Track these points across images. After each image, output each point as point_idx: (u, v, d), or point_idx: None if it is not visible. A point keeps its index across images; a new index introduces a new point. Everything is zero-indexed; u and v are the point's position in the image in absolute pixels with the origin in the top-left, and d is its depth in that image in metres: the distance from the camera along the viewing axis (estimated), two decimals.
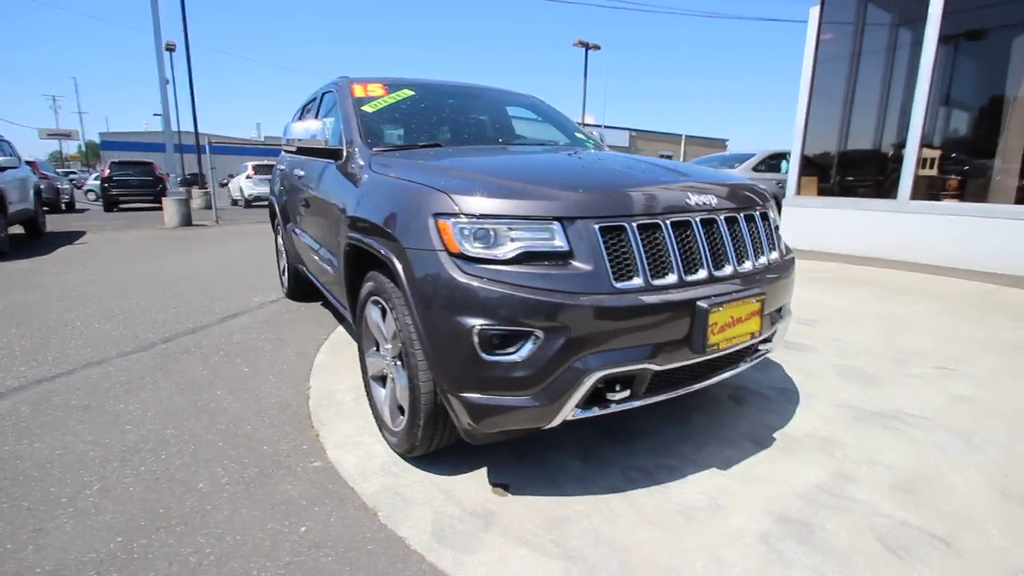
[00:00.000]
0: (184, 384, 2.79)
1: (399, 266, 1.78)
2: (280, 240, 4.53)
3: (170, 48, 23.20)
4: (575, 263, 1.63)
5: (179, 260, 6.75)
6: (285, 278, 4.61)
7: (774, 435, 2.27)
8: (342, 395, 2.67)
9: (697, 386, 1.92)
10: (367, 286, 2.15)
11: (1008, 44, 6.30)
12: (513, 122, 3.36)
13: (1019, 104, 6.11)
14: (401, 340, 1.87)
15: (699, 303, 1.70)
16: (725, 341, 1.79)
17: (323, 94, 3.49)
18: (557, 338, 1.57)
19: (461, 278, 1.60)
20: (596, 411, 1.71)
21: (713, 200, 1.89)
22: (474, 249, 1.63)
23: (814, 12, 6.87)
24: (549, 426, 1.69)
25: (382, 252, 1.91)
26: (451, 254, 1.64)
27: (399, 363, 1.99)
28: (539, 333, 1.57)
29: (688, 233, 1.80)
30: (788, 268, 2.19)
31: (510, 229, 1.63)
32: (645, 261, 1.69)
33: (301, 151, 2.78)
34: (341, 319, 3.89)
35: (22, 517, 1.73)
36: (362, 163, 2.42)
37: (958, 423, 2.38)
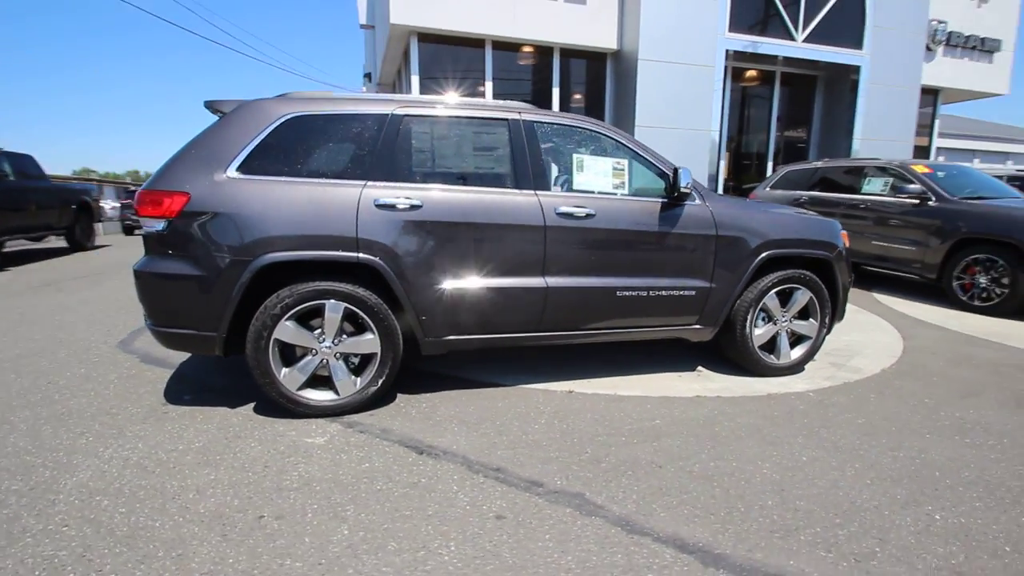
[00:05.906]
0: None
1: (834, 260, 3.51)
2: (343, 314, 2.76)
3: None
4: None
5: None
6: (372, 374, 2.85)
7: None
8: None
9: None
10: (776, 276, 3.38)
11: None
12: None
13: None
14: (817, 303, 3.50)
15: None
16: None
17: (529, 123, 3.08)
18: None
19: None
20: None
21: None
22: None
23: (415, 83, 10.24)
24: None
25: (817, 255, 3.48)
26: (846, 249, 3.63)
27: (801, 321, 3.55)
28: None
29: None
30: None
31: None
32: None
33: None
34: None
35: None
36: (746, 198, 4.05)
37: None
